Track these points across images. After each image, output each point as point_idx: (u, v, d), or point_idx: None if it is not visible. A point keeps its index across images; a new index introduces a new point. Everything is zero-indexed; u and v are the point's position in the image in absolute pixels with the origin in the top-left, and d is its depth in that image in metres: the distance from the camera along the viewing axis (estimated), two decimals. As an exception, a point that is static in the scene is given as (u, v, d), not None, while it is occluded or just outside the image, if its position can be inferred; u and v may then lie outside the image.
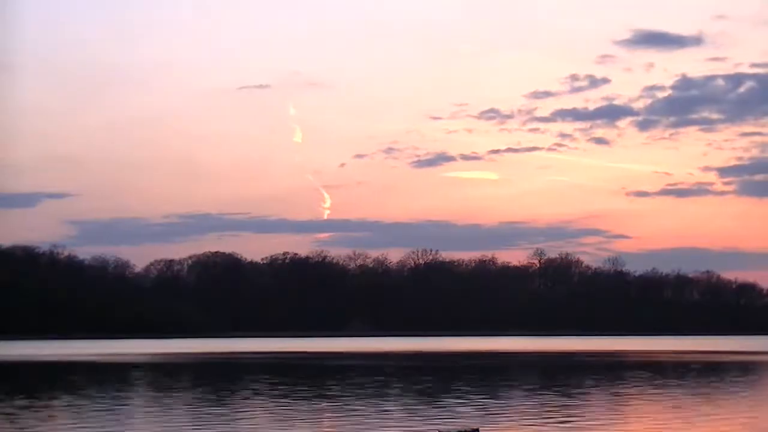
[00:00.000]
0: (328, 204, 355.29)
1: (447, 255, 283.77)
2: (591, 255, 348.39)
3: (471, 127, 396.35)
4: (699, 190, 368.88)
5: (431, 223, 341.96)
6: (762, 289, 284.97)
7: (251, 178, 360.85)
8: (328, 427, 37.36)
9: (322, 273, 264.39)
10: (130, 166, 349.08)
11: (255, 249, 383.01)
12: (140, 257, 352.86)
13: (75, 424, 38.90)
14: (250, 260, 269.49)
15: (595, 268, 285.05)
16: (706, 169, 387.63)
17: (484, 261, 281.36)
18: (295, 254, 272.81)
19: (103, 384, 64.46)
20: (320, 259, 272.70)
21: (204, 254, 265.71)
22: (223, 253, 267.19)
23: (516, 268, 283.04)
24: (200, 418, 41.13)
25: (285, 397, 52.41)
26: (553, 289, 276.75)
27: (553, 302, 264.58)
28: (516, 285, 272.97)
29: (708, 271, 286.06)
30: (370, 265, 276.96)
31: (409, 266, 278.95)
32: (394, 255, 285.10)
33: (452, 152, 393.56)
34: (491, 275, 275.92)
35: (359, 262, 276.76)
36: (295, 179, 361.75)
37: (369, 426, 37.43)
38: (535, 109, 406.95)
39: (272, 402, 49.35)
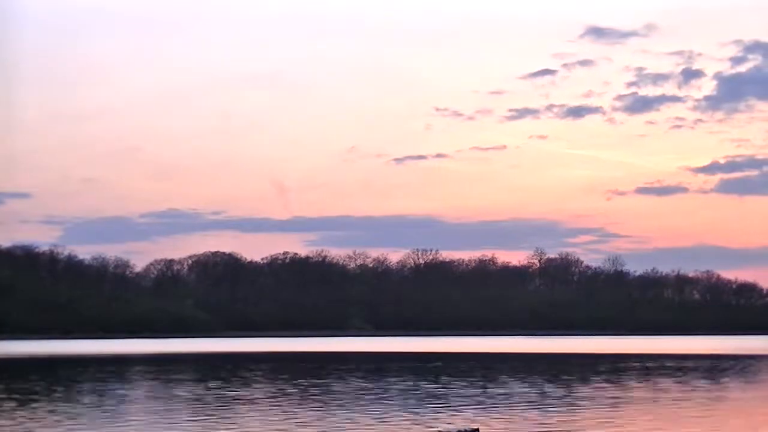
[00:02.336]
0: (305, 202, 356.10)
1: (447, 254, 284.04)
2: (581, 255, 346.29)
3: (434, 125, 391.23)
4: (678, 188, 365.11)
5: (411, 221, 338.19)
6: (762, 289, 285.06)
7: (216, 177, 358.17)
8: (327, 427, 37.34)
9: (322, 273, 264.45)
10: (86, 163, 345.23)
11: (244, 248, 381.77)
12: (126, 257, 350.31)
13: (73, 423, 38.89)
14: (249, 260, 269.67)
15: (595, 268, 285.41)
16: (683, 167, 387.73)
17: (484, 261, 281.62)
18: (295, 254, 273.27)
19: (103, 383, 64.45)
20: (320, 259, 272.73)
21: (204, 254, 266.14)
22: (223, 252, 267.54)
23: (516, 268, 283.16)
24: (200, 417, 41.12)
25: (284, 397, 52.40)
26: (553, 289, 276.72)
27: (553, 302, 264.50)
28: (516, 285, 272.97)
29: (708, 271, 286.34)
30: (370, 265, 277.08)
31: (409, 266, 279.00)
32: (391, 254, 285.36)
33: (420, 151, 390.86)
34: (491, 275, 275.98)
35: (359, 261, 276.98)
36: (261, 178, 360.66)
37: (369, 426, 37.41)
38: (498, 106, 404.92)
39: (271, 402, 49.33)
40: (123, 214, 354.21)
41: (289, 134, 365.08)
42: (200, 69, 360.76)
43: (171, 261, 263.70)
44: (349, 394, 53.52)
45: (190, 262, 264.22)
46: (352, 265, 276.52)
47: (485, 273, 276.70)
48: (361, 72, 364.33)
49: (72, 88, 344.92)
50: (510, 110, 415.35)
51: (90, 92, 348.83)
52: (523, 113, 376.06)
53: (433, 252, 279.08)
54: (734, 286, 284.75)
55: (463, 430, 33.75)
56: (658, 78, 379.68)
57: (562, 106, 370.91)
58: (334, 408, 45.17)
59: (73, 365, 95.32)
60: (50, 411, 44.30)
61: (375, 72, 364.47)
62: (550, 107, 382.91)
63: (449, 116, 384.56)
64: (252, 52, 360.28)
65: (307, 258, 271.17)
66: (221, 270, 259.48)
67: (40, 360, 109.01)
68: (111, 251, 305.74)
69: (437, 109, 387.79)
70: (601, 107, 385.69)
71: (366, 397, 51.85)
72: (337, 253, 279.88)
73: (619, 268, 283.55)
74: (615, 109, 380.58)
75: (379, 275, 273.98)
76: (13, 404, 47.92)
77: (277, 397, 52.47)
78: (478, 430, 33.99)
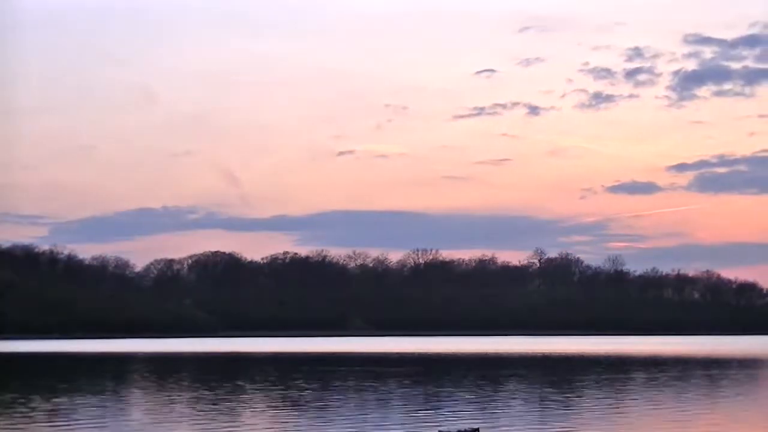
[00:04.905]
0: (281, 202, 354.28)
1: (446, 254, 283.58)
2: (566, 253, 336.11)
3: (385, 124, 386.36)
4: (652, 187, 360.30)
5: (392, 218, 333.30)
6: (762, 289, 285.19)
7: (178, 175, 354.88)
8: (328, 427, 37.33)
9: (322, 273, 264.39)
10: (45, 161, 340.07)
11: (232, 246, 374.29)
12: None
13: (74, 423, 38.87)
14: (250, 260, 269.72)
15: (595, 268, 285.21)
16: (652, 165, 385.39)
17: (484, 260, 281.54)
18: (295, 254, 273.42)
19: (103, 383, 64.43)
20: (320, 259, 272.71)
21: (204, 254, 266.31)
22: (223, 252, 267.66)
23: (516, 267, 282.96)
24: (199, 417, 41.11)
25: (284, 397, 52.38)
26: (553, 289, 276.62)
27: (553, 302, 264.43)
28: (516, 285, 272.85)
29: (708, 271, 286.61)
30: (370, 265, 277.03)
31: (409, 266, 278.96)
32: (392, 255, 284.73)
33: (381, 149, 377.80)
34: (491, 275, 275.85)
35: (359, 261, 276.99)
36: (223, 177, 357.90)
37: (369, 426, 37.40)
38: (451, 104, 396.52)
39: (271, 402, 49.32)
40: (96, 214, 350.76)
41: (244, 132, 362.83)
42: (152, 66, 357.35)
43: (171, 261, 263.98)
44: (348, 395, 53.51)
45: (190, 262, 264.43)
46: (352, 265, 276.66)
47: (485, 273, 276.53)
48: (311, 71, 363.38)
49: (20, 84, 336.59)
50: (465, 108, 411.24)
51: (40, 88, 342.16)
52: (480, 110, 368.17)
53: (433, 252, 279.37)
54: (734, 286, 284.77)
55: (463, 430, 33.76)
56: (615, 74, 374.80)
57: (516, 103, 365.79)
58: (334, 408, 45.15)
59: (73, 365, 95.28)
60: (49, 411, 44.28)
61: (323, 70, 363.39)
62: (505, 105, 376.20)
63: (401, 114, 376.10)
64: (204, 49, 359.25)
65: (307, 258, 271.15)
66: (221, 270, 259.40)
67: (39, 360, 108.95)
68: (96, 251, 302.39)
69: (387, 106, 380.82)
70: (559, 106, 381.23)
71: (366, 397, 51.83)
72: (336, 252, 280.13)
73: (619, 268, 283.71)
74: (574, 106, 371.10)
75: (379, 275, 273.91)
76: (12, 404, 47.89)
77: (276, 397, 52.44)
78: (478, 430, 34.00)
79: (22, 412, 43.42)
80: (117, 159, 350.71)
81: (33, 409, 45.34)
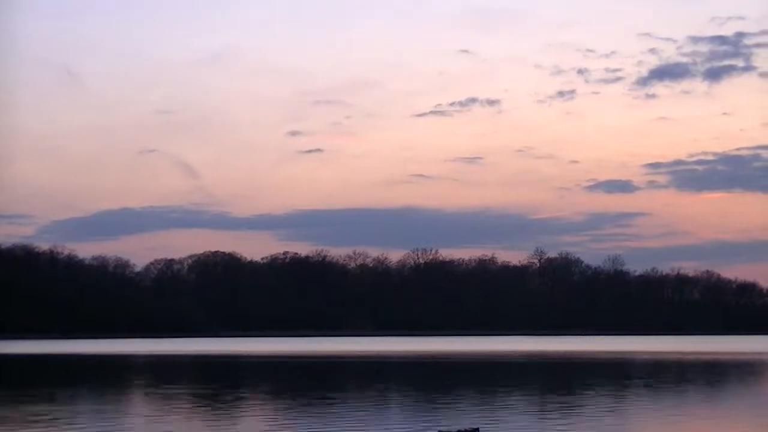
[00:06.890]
0: (261, 200, 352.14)
1: (447, 254, 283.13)
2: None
3: (345, 123, 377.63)
4: (629, 186, 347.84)
5: (375, 216, 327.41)
6: (762, 289, 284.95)
7: (148, 173, 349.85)
8: (328, 427, 37.35)
9: (322, 273, 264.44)
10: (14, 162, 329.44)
11: (223, 245, 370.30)
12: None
13: (73, 423, 38.89)
14: (249, 259, 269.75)
15: (595, 268, 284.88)
16: (627, 164, 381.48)
17: (484, 260, 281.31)
18: (295, 254, 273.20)
19: (102, 383, 64.44)
20: (320, 259, 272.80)
21: (204, 253, 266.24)
22: (223, 252, 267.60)
23: (516, 267, 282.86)
24: (199, 418, 41.13)
25: (284, 397, 52.40)
26: (553, 288, 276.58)
27: (553, 302, 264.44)
28: (516, 285, 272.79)
29: (708, 271, 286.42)
30: (370, 265, 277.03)
31: (409, 266, 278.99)
32: (393, 255, 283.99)
33: (353, 149, 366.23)
34: (491, 275, 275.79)
35: (359, 261, 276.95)
36: (188, 175, 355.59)
37: (369, 426, 37.42)
38: (418, 103, 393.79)
39: (272, 402, 49.34)
40: (79, 215, 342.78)
41: (207, 129, 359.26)
42: (112, 62, 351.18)
43: (171, 260, 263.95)
44: (348, 395, 53.53)
45: (189, 261, 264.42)
46: (352, 265, 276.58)
47: (485, 272, 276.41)
48: (265, 68, 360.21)
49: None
50: (426, 105, 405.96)
51: None
52: (440, 109, 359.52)
53: (433, 252, 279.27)
54: (734, 286, 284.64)
55: (463, 430, 33.79)
56: (577, 72, 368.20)
57: (474, 99, 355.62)
58: (334, 408, 45.16)
59: (73, 366, 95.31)
60: (49, 411, 44.30)
61: (276, 67, 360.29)
62: (463, 102, 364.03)
63: (358, 112, 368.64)
64: (164, 47, 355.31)
65: (307, 258, 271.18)
66: (221, 270, 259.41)
67: (39, 360, 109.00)
68: (86, 251, 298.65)
69: (341, 104, 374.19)
70: (522, 104, 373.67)
71: (366, 397, 51.85)
72: (336, 252, 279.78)
73: (619, 268, 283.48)
74: (537, 104, 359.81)
75: (379, 275, 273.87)
76: (12, 405, 47.91)
77: (276, 397, 52.47)
78: (478, 430, 34.03)
79: (22, 413, 43.44)
80: (88, 158, 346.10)
81: (32, 410, 45.36)
